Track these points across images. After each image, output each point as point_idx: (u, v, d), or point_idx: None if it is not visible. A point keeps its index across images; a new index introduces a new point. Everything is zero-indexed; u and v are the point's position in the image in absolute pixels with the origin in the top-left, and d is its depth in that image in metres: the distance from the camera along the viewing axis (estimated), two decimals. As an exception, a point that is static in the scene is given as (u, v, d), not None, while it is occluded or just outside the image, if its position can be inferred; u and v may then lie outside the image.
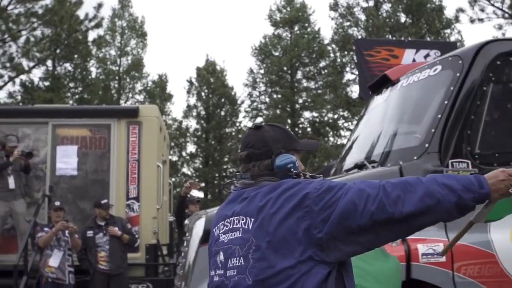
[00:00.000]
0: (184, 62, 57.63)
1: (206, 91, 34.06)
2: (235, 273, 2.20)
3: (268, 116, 31.66)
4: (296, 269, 2.10)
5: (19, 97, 24.94)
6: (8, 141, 8.69)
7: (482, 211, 2.40)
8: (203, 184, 30.89)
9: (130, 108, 10.96)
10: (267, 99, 33.55)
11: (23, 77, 24.62)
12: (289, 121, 31.06)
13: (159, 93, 32.23)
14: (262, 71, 33.52)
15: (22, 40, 23.07)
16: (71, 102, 25.97)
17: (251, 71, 33.64)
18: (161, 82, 33.00)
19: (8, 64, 23.08)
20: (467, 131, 3.84)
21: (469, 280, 3.57)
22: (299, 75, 32.98)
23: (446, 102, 3.93)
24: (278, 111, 31.92)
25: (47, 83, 25.44)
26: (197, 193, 13.17)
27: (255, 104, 33.87)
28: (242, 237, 2.21)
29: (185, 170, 33.71)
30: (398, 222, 2.10)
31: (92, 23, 24.70)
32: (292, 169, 2.29)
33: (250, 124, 25.59)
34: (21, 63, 23.52)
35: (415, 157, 3.85)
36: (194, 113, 34.03)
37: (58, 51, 24.90)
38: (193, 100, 34.10)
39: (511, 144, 3.97)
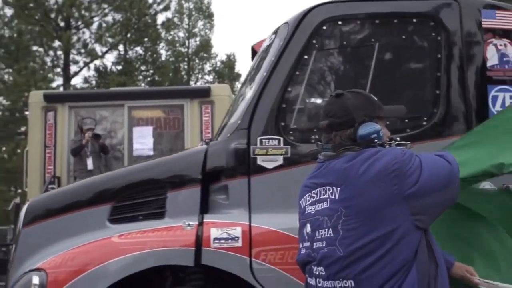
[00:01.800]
0: (251, 41, 57.55)
1: (273, 69, 33.98)
2: (324, 244, 2.16)
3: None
4: (389, 237, 2.08)
5: (93, 82, 25.73)
6: (84, 124, 8.96)
7: None
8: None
9: (202, 88, 11.08)
10: (336, 75, 33.14)
11: (97, 62, 25.36)
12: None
13: (227, 73, 32.42)
14: (329, 47, 33.07)
15: (94, 26, 23.80)
16: (143, 84, 26.56)
17: (319, 47, 33.28)
18: (230, 62, 33.15)
19: (82, 50, 23.86)
20: (282, 105, 3.43)
21: (269, 267, 3.24)
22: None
23: (265, 74, 3.50)
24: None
25: (119, 67, 26.09)
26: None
27: (323, 80, 33.56)
28: (331, 208, 2.16)
29: (255, 148, 33.90)
30: (457, 184, 2.26)
31: (161, 6, 25.13)
32: (376, 140, 2.22)
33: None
34: (95, 48, 24.26)
35: (228, 135, 3.50)
36: (263, 92, 34.06)
37: (129, 35, 25.45)
38: (261, 79, 34.14)
39: None
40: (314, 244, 2.21)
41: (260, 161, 3.36)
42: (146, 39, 26.53)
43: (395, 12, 3.60)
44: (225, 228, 3.26)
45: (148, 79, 27.67)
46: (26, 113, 19.09)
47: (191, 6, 31.63)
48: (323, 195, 2.21)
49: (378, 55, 3.52)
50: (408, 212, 2.09)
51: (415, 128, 3.43)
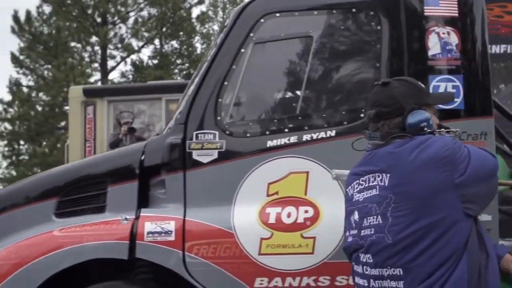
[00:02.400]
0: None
1: (309, 60, 33.83)
2: (372, 232, 2.14)
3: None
4: (439, 224, 2.05)
5: (130, 76, 26.05)
6: (121, 117, 9.06)
7: None
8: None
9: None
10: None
11: (134, 56, 25.70)
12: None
13: (262, 65, 32.44)
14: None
15: (130, 21, 24.15)
16: (178, 78, 26.77)
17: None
18: (264, 54, 33.16)
19: (119, 45, 24.23)
20: (218, 99, 3.36)
21: (202, 261, 3.20)
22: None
23: (204, 67, 3.46)
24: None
25: (155, 61, 26.36)
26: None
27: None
28: (380, 195, 2.14)
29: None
30: (497, 176, 2.29)
31: (195, 0, 25.23)
32: (425, 128, 2.18)
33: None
34: (131, 43, 24.60)
35: (168, 129, 3.47)
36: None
37: (164, 29, 25.67)
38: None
39: (268, 111, 3.49)
40: (362, 231, 2.18)
41: (195, 155, 3.34)
42: (181, 33, 26.72)
43: (334, 3, 3.51)
44: (159, 222, 3.27)
45: (184, 72, 27.85)
46: (66, 108, 19.50)
47: (225, -1, 31.72)
48: (372, 182, 2.19)
49: (317, 48, 3.43)
50: (458, 200, 2.07)
51: (352, 121, 3.32)
